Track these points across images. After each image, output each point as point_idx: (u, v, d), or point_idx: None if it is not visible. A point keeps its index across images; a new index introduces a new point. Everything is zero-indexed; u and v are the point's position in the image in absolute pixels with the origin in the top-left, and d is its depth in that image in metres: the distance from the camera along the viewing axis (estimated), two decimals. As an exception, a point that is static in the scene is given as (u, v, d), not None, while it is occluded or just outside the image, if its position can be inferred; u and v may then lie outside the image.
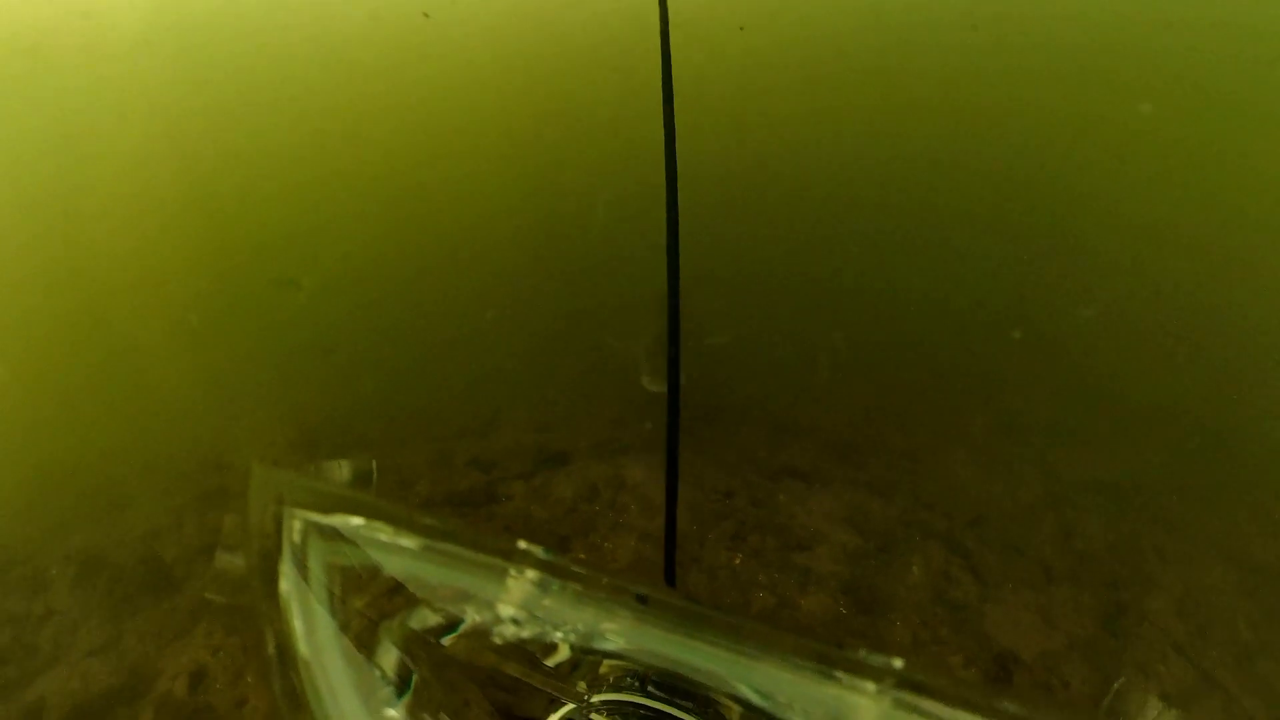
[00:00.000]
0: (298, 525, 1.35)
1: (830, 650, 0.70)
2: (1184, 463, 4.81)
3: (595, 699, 0.91)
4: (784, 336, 7.53)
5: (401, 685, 1.03)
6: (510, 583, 1.08)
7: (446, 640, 1.04)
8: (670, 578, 1.35)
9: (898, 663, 0.68)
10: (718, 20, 13.01)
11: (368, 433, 5.25)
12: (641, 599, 0.94)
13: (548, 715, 0.91)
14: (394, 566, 1.20)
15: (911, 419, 5.49)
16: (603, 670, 0.94)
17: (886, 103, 14.27)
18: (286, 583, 1.22)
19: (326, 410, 5.94)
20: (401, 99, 15.62)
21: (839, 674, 0.72)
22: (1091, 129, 12.18)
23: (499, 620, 1.03)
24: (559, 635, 0.96)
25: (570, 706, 0.92)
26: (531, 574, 1.10)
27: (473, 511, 3.43)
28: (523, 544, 1.19)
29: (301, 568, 1.23)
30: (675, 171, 1.25)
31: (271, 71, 16.00)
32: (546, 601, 1.06)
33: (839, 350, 6.69)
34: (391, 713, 1.01)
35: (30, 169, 13.32)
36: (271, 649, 1.18)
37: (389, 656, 1.07)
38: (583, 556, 2.98)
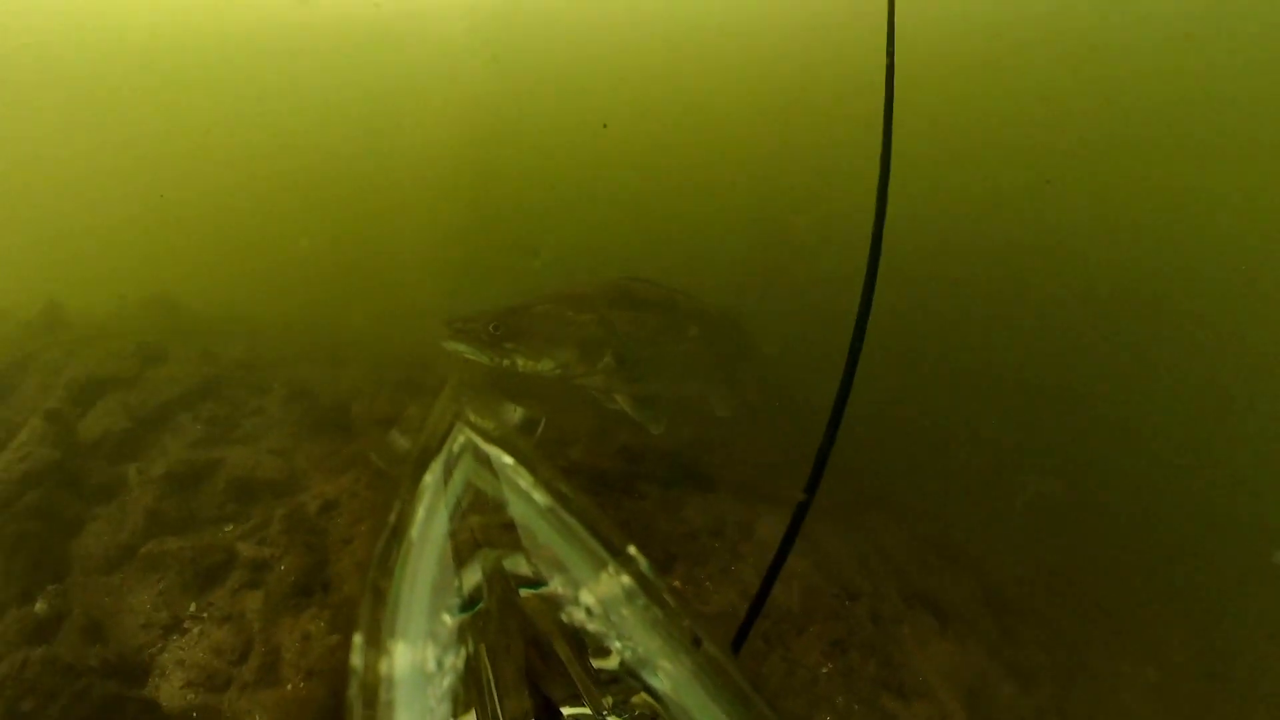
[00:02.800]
0: (461, 439, 1.57)
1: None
2: None
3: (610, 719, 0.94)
4: (989, 448, 6.90)
5: (468, 604, 1.13)
6: (604, 577, 1.16)
7: (524, 592, 1.13)
8: (738, 644, 1.33)
9: None
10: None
11: (549, 391, 5.59)
12: (697, 641, 0.96)
13: (562, 704, 0.96)
14: (517, 511, 1.34)
15: (1099, 604, 4.79)
16: (635, 699, 0.96)
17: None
18: (431, 477, 1.44)
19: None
20: (649, 105, 17.76)
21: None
22: None
23: (576, 603, 1.10)
24: (618, 645, 1.00)
25: (585, 711, 0.95)
26: (626, 580, 1.16)
27: (605, 494, 3.54)
28: (633, 549, 1.25)
29: (448, 473, 1.44)
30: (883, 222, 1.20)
31: (548, 73, 19.37)
32: (625, 611, 1.11)
33: (1047, 485, 5.99)
34: (447, 619, 1.10)
35: (358, 134, 18.40)
36: (392, 518, 1.36)
37: (472, 576, 1.17)
38: (678, 584, 2.98)
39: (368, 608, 1.16)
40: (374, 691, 1.01)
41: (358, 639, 1.10)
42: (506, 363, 3.39)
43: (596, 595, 1.12)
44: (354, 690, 1.03)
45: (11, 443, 3.32)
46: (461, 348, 3.33)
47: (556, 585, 1.13)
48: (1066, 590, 4.81)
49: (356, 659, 1.07)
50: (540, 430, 2.25)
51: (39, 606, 2.56)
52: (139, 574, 2.87)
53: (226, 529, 3.19)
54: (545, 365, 3.49)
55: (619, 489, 3.66)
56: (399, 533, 1.31)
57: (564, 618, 1.07)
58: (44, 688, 2.05)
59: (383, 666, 1.04)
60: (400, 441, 2.65)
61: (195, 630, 2.62)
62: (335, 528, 3.12)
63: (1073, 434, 7.65)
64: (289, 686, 2.36)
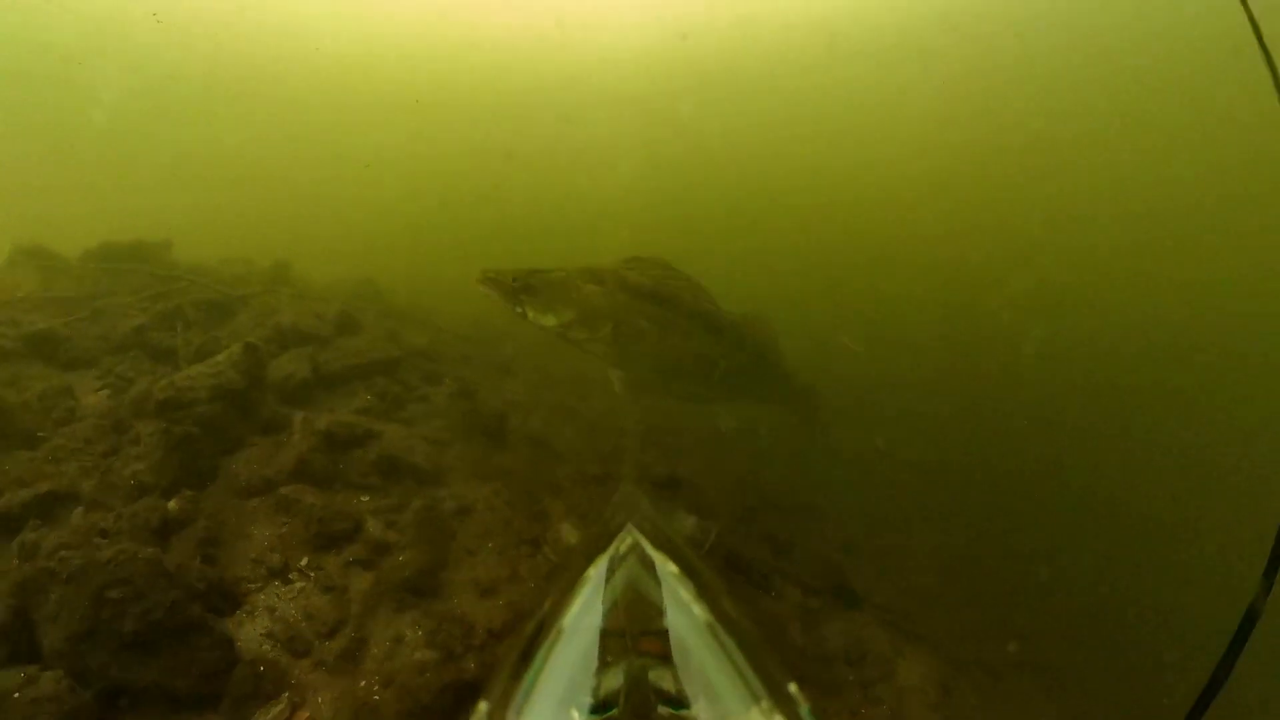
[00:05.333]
0: (629, 540, 1.54)
1: None
2: None
3: None
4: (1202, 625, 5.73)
5: (600, 706, 1.06)
6: (754, 713, 1.04)
7: (662, 709, 1.04)
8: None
9: None
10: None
11: (744, 502, 4.98)
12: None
13: None
14: (674, 622, 1.24)
15: None
16: None
17: None
18: (594, 571, 1.41)
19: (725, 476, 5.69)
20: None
21: None
22: None
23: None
24: None
25: None
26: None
27: (738, 584, 3.21)
28: (793, 687, 1.10)
29: (611, 570, 1.41)
30: None
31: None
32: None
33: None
34: (575, 715, 1.05)
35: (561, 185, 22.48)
36: (548, 604, 1.32)
37: (612, 680, 1.10)
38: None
39: (503, 678, 1.14)
40: None
41: (483, 706, 1.08)
42: (519, 310, 3.91)
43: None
44: None
45: (212, 358, 3.62)
46: (487, 291, 3.91)
47: (700, 711, 1.05)
48: None
49: None
50: (711, 541, 2.11)
51: (172, 504, 2.71)
52: (269, 510, 2.94)
53: (363, 499, 3.21)
54: (549, 320, 3.97)
55: (755, 583, 3.37)
56: (551, 618, 1.29)
57: None
58: (138, 585, 2.07)
59: None
60: (570, 534, 2.62)
61: (298, 585, 2.60)
62: (464, 533, 3.08)
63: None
64: (362, 684, 2.25)
